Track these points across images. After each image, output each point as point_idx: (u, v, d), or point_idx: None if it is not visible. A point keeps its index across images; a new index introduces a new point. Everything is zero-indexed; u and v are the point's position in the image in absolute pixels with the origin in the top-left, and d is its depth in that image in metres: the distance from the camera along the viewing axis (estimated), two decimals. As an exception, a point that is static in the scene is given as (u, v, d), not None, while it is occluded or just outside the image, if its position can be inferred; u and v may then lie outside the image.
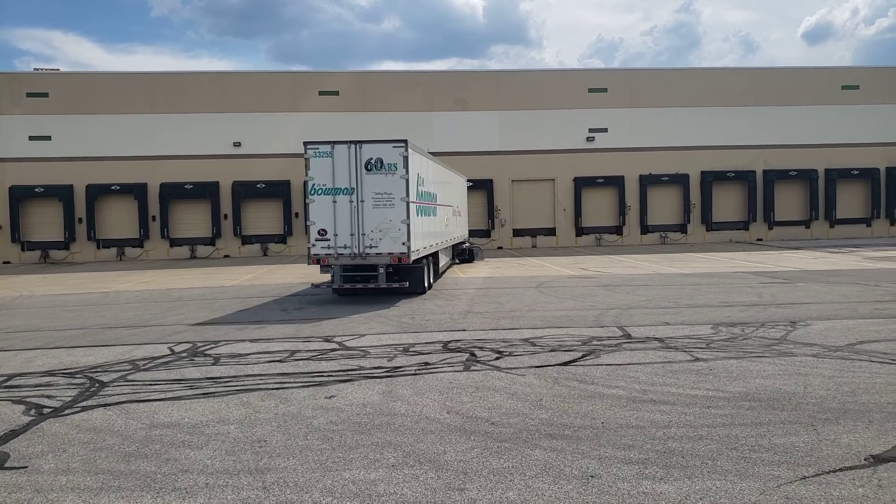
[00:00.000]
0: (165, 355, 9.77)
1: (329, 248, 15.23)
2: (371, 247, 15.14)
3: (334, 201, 15.16)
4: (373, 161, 15.00)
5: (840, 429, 5.71)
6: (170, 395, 7.48)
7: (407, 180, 15.02)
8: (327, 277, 16.14)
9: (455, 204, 23.74)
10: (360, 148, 15.05)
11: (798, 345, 9.25)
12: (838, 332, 10.14)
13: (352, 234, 15.19)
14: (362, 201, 15.12)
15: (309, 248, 15.41)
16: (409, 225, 15.07)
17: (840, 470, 4.84)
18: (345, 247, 15.20)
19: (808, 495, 4.44)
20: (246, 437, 5.96)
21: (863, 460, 5.01)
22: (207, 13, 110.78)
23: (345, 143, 15.09)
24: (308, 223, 15.41)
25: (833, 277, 18.01)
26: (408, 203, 15.04)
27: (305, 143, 15.29)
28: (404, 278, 15.72)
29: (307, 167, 15.19)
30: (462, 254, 26.13)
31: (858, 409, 6.25)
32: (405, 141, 15.06)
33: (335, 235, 15.22)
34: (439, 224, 19.44)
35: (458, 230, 24.52)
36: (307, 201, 15.37)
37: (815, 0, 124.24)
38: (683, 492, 4.55)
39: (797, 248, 30.47)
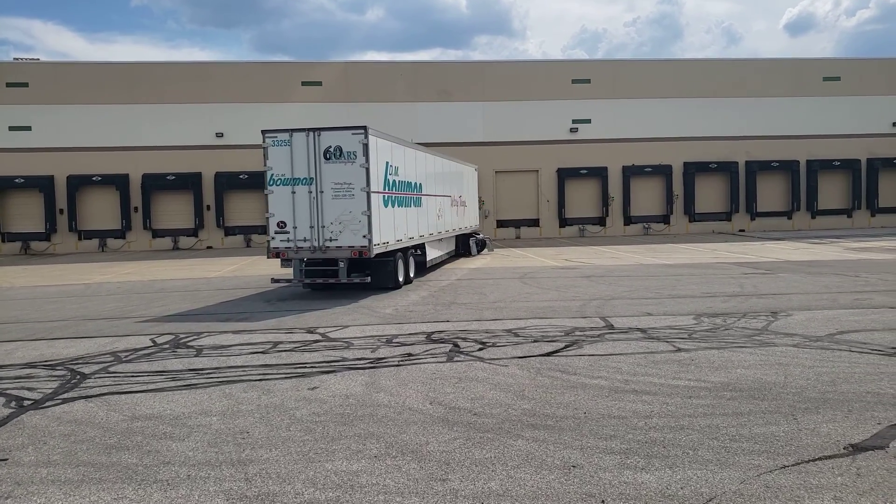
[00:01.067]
0: (147, 347, 9.68)
1: (288, 241, 14.60)
2: (331, 240, 14.41)
3: (293, 192, 14.49)
4: (332, 149, 14.22)
5: (820, 418, 5.78)
6: (152, 386, 7.41)
7: (367, 169, 14.13)
8: (289, 271, 15.36)
9: (456, 194, 22.99)
10: (319, 136, 14.29)
11: (779, 335, 9.36)
12: (819, 322, 10.26)
13: (311, 227, 14.47)
14: (321, 192, 14.33)
15: (268, 242, 14.85)
16: (370, 216, 14.20)
17: (819, 459, 4.90)
18: (304, 240, 14.53)
19: (788, 484, 4.49)
20: (228, 428, 5.92)
21: (842, 449, 5.07)
22: (187, 2, 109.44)
23: (303, 130, 14.37)
24: (267, 215, 14.78)
25: (814, 268, 18.22)
26: (368, 193, 14.15)
27: (263, 132, 14.70)
28: (374, 272, 15.16)
29: (265, 156, 14.60)
30: (477, 245, 25.38)
31: (838, 398, 6.33)
32: (364, 127, 14.17)
33: (294, 228, 14.56)
34: (426, 215, 18.90)
35: (461, 221, 23.70)
36: (266, 192, 14.73)
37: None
38: (664, 481, 4.59)
39: (779, 239, 30.79)
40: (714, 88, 37.39)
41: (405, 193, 16.88)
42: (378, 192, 14.83)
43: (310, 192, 14.44)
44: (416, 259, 17.78)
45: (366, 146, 14.15)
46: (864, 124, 38.28)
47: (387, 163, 15.49)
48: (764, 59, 42.50)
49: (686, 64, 39.20)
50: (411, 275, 17.04)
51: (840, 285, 14.52)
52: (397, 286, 15.76)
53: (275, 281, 15.68)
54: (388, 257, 15.52)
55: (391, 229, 15.65)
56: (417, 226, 17.96)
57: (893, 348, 8.34)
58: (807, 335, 9.28)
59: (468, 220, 25.40)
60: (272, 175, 14.60)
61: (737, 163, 37.63)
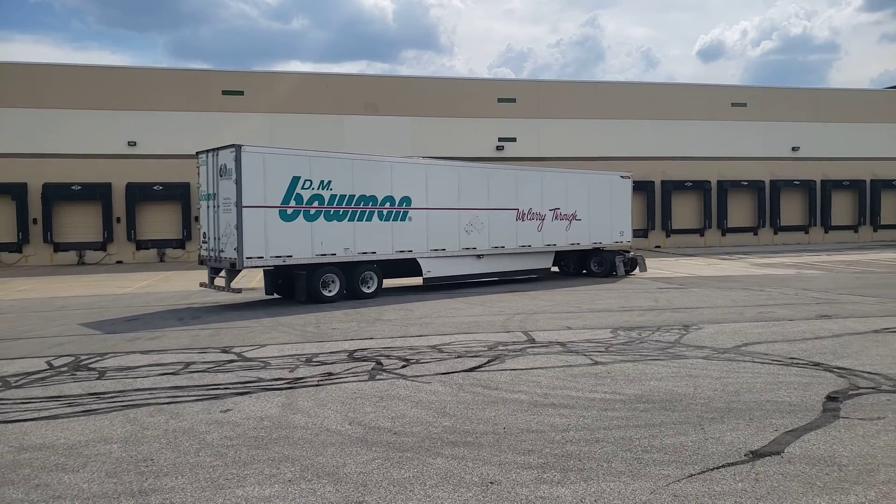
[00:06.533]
0: (42, 370, 9.03)
1: (206, 250, 16.15)
2: (221, 251, 15.51)
3: (208, 206, 15.92)
4: (222, 167, 15.32)
5: (724, 427, 6.00)
6: (44, 413, 6.90)
7: (239, 185, 14.72)
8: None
9: (541, 208, 20.93)
10: (217, 155, 15.50)
11: (690, 347, 9.71)
12: (726, 335, 10.73)
13: (215, 238, 15.72)
14: (218, 206, 15.52)
15: (199, 250, 16.60)
16: (240, 229, 14.77)
17: (723, 466, 5.08)
18: (212, 249, 15.89)
19: (694, 492, 4.62)
20: (130, 456, 5.57)
21: (743, 456, 5.28)
22: (94, 1, 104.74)
23: (211, 151, 15.75)
24: (198, 226, 16.58)
25: (723, 283, 19.13)
26: (240, 208, 14.74)
27: (197, 153, 16.26)
28: (292, 285, 15.98)
29: (198, 175, 16.20)
30: (605, 265, 22.06)
31: (741, 407, 6.60)
32: (235, 146, 14.88)
33: (208, 239, 16.03)
34: (423, 229, 17.91)
35: (559, 238, 21.41)
36: (199, 206, 16.47)
37: (709, 20, 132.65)
38: (579, 495, 4.62)
39: (692, 255, 32.21)
40: (633, 110, 38.90)
41: (344, 207, 16.41)
42: (265, 207, 15.17)
43: (214, 206, 15.69)
44: (384, 274, 17.38)
45: (238, 163, 14.80)
46: (767, 148, 40.79)
47: (295, 177, 15.62)
48: (678, 83, 44.67)
49: (606, 86, 40.65)
50: (368, 290, 16.76)
51: (746, 299, 15.27)
52: (316, 300, 15.81)
53: (201, 285, 16.96)
54: (301, 271, 15.78)
55: (305, 244, 15.78)
56: (391, 240, 17.33)
57: (791, 359, 8.81)
58: (715, 347, 9.67)
59: (584, 235, 22.16)
60: (201, 191, 16.18)
61: (653, 182, 39.20)
